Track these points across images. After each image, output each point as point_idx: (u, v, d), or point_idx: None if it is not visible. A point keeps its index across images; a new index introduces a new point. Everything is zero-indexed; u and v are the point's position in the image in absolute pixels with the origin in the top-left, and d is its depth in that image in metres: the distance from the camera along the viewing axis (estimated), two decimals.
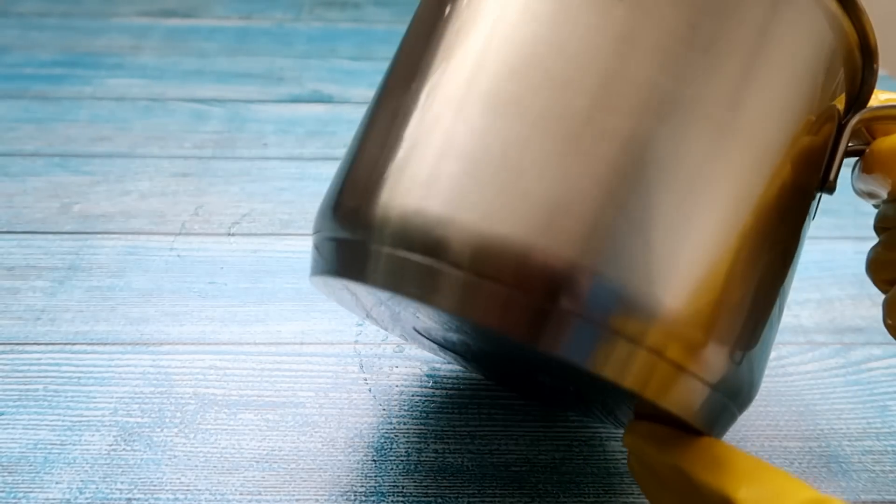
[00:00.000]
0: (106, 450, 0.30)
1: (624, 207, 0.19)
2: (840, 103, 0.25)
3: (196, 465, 0.30)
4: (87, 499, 0.28)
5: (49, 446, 0.30)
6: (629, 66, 0.20)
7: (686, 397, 0.21)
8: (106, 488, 0.29)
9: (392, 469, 0.30)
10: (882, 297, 0.27)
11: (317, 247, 0.24)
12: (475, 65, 0.21)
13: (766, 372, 0.36)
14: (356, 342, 0.36)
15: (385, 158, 0.21)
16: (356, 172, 0.22)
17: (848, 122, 0.24)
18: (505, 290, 0.19)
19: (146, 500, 0.28)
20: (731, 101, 0.21)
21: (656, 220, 0.20)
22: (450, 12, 0.23)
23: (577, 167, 0.20)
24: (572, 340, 0.19)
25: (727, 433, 0.32)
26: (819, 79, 0.23)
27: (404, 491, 0.29)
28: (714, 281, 0.20)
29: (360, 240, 0.21)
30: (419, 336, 0.28)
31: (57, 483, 0.29)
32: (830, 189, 0.25)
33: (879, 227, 0.27)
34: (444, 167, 0.20)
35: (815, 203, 0.25)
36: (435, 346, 0.29)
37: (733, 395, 0.22)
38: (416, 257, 0.20)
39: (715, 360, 0.21)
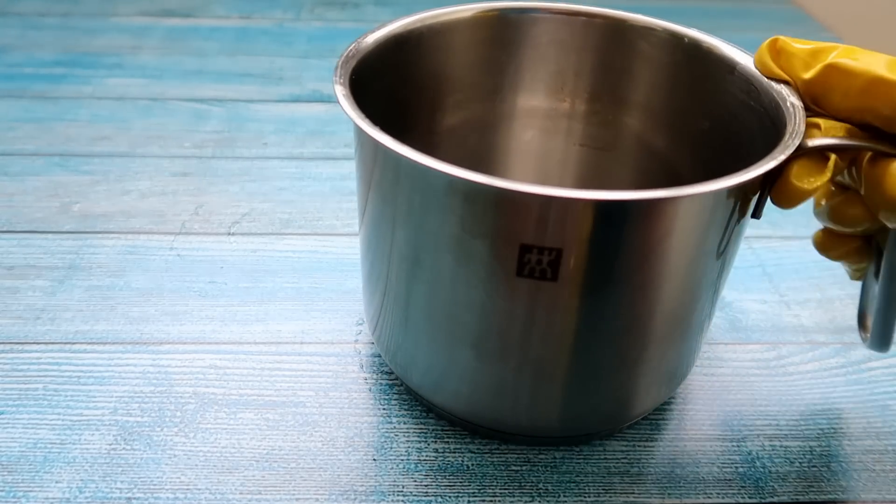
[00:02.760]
0: (106, 449, 0.30)
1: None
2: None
3: (196, 465, 0.30)
4: (86, 498, 0.28)
5: (49, 445, 0.30)
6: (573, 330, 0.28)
7: None
8: (106, 487, 0.29)
9: (392, 468, 0.30)
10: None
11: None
12: (463, 333, 0.28)
13: (767, 372, 0.36)
14: (356, 342, 0.36)
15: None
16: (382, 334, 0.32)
17: (769, 182, 0.26)
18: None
19: (146, 500, 0.28)
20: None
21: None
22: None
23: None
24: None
25: (724, 428, 0.32)
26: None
27: (404, 490, 0.29)
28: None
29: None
30: None
31: (57, 482, 0.29)
32: (759, 217, 0.27)
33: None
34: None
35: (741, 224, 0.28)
36: None
37: None
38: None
39: None
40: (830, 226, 0.29)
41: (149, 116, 0.54)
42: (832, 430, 0.33)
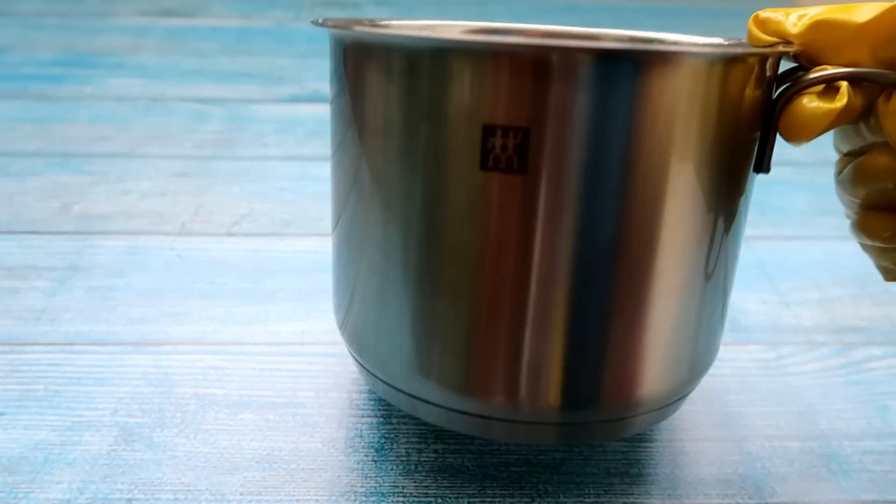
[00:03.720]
0: (106, 450, 0.30)
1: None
2: (759, 87, 0.24)
3: (196, 466, 0.30)
4: (87, 499, 0.28)
5: (49, 446, 0.30)
6: (545, 232, 0.23)
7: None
8: (106, 488, 0.29)
9: (392, 469, 0.30)
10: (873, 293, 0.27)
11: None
12: (421, 249, 0.24)
13: (767, 372, 0.36)
14: None
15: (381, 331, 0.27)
16: (357, 322, 0.28)
17: (777, 104, 0.24)
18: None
19: (146, 501, 0.28)
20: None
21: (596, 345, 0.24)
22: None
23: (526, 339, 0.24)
24: (542, 435, 0.26)
25: (724, 428, 0.32)
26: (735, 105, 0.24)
27: (404, 491, 0.29)
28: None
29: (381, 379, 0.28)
30: None
31: (57, 483, 0.29)
32: (767, 171, 0.26)
33: (844, 149, 0.28)
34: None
35: (751, 182, 0.26)
36: None
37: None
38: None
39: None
40: (860, 191, 0.27)
41: (149, 116, 0.54)
42: (832, 431, 0.33)
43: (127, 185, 0.47)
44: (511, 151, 0.21)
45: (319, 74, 0.62)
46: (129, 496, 0.28)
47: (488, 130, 0.21)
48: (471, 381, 0.25)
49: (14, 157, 0.49)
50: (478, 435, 0.26)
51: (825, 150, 0.28)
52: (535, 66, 0.21)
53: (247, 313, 0.38)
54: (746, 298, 0.40)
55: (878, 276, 0.28)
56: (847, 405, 0.34)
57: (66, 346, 0.35)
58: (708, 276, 0.26)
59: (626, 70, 0.21)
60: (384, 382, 0.27)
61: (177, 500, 0.28)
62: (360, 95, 0.24)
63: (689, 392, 0.28)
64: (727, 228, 0.26)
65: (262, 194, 0.47)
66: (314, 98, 0.58)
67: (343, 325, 0.29)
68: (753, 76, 0.23)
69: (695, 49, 0.22)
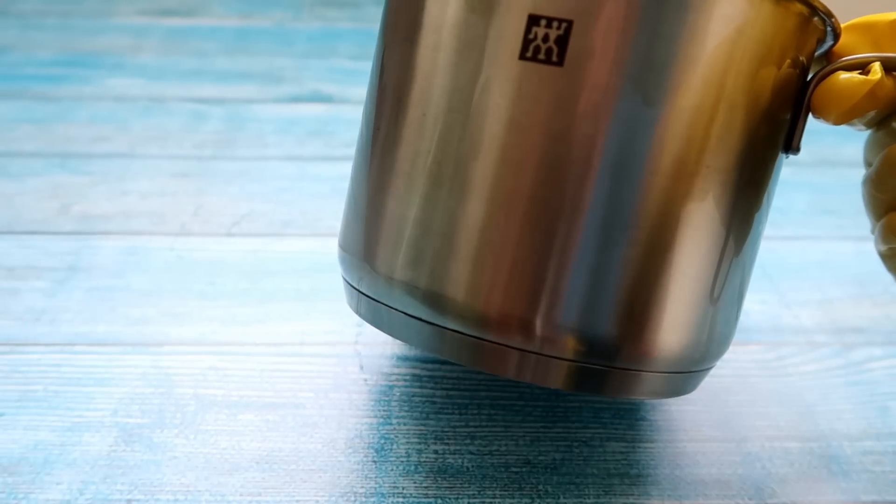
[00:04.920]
0: (106, 451, 0.30)
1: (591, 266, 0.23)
2: (796, 64, 0.24)
3: (196, 466, 0.30)
4: (87, 500, 0.28)
5: (49, 447, 0.30)
6: (576, 132, 0.22)
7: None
8: (106, 489, 0.29)
9: (392, 470, 0.30)
10: (878, 297, 0.27)
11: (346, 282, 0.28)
12: (443, 144, 0.24)
13: (767, 372, 0.36)
14: (356, 342, 0.36)
15: (384, 231, 0.25)
16: (367, 235, 0.26)
17: (810, 85, 0.25)
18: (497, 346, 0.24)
19: (146, 501, 0.28)
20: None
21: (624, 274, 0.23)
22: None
23: (537, 242, 0.23)
24: (550, 373, 0.24)
25: (724, 429, 0.32)
26: (772, 59, 0.24)
27: (404, 492, 0.29)
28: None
29: (375, 298, 0.26)
30: None
31: (57, 484, 0.29)
32: (796, 150, 0.25)
33: (871, 155, 0.28)
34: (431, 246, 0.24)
35: (780, 163, 0.26)
36: None
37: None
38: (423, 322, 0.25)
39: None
40: (891, 183, 0.26)
41: (149, 117, 0.54)
42: (832, 431, 0.33)
43: (126, 185, 0.47)
44: (552, 42, 0.21)
45: (319, 74, 0.62)
46: (129, 497, 0.28)
47: (533, 20, 0.21)
48: (488, 299, 0.23)
49: (14, 157, 0.49)
50: (483, 365, 0.24)
51: (825, 149, 0.28)
52: None
53: (246, 314, 0.38)
54: (746, 298, 0.40)
55: (878, 276, 0.28)
56: (847, 406, 0.34)
57: (65, 346, 0.35)
58: (735, 227, 0.25)
59: None
60: (386, 305, 0.26)
61: (176, 500, 0.28)
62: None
63: (700, 373, 0.27)
64: (759, 183, 0.25)
65: (262, 194, 0.47)
66: (314, 98, 0.58)
67: (350, 246, 0.27)
68: (799, 33, 0.24)
69: None
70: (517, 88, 0.22)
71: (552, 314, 0.23)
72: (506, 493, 0.29)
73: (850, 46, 0.26)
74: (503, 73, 0.22)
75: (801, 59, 0.25)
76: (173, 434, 0.31)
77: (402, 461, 0.31)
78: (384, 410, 0.33)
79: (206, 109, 0.56)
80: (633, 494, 0.30)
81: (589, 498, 0.29)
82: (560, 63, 0.22)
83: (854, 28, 0.26)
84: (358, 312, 0.28)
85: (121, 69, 0.61)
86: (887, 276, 0.40)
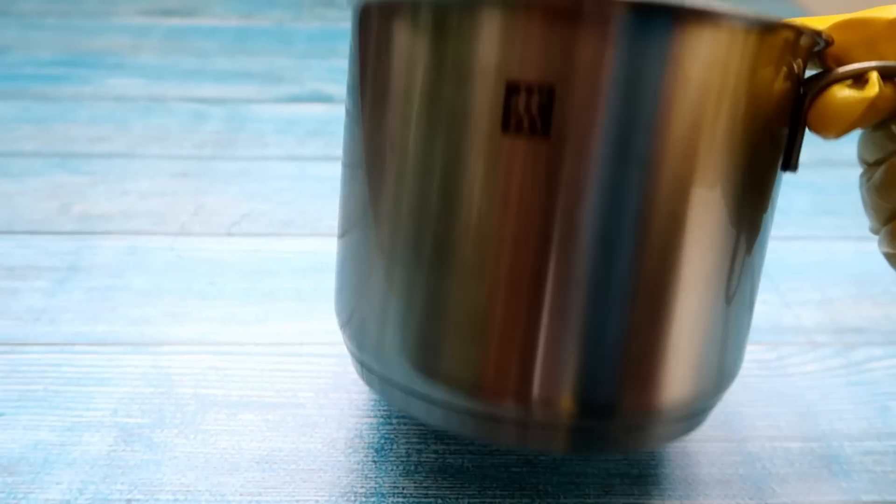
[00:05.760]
0: (106, 451, 0.30)
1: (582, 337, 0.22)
2: (789, 77, 0.24)
3: (196, 466, 0.30)
4: (87, 500, 0.28)
5: (49, 447, 0.30)
6: (564, 204, 0.21)
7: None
8: (106, 489, 0.29)
9: (392, 470, 0.30)
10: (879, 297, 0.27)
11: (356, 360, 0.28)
12: (425, 221, 0.23)
13: (767, 372, 0.36)
14: None
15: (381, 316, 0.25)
16: (356, 307, 0.26)
17: (805, 99, 0.24)
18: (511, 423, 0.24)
19: (146, 501, 0.28)
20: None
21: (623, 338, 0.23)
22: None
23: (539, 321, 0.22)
24: (553, 440, 0.24)
25: (725, 429, 0.32)
26: (768, 86, 0.23)
27: (404, 492, 0.29)
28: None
29: (367, 366, 0.26)
30: None
31: (57, 484, 0.29)
32: (795, 169, 0.25)
33: (867, 153, 0.27)
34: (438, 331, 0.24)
35: (778, 181, 0.25)
36: None
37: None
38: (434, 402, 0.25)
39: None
40: (893, 195, 0.26)
41: (149, 116, 0.54)
42: (832, 431, 0.33)
43: (127, 185, 0.47)
44: (535, 112, 0.20)
45: (319, 74, 0.62)
46: (129, 497, 0.28)
47: (512, 88, 0.20)
48: (480, 374, 0.23)
49: (14, 157, 0.49)
50: (484, 440, 0.24)
51: (825, 149, 0.28)
52: (565, 19, 0.20)
53: (246, 313, 0.38)
54: None
55: (878, 276, 0.28)
56: (848, 405, 0.34)
57: (65, 346, 0.35)
58: (735, 269, 0.24)
59: (662, 27, 0.20)
60: (384, 378, 0.26)
61: (176, 500, 0.28)
62: (380, 55, 0.23)
63: (712, 406, 0.27)
64: (754, 222, 0.24)
65: (262, 194, 0.47)
66: (314, 98, 0.58)
67: (343, 318, 0.28)
68: (787, 57, 0.23)
69: (736, 11, 0.21)
70: (501, 163, 0.21)
71: (548, 385, 0.23)
72: (506, 492, 0.29)
73: (845, 47, 0.25)
74: (485, 147, 0.21)
75: (794, 71, 0.24)
76: (173, 434, 0.31)
77: (402, 461, 0.31)
78: (384, 410, 0.33)
79: (206, 109, 0.56)
80: (633, 494, 0.30)
81: (589, 498, 0.29)
82: (546, 134, 0.21)
83: (848, 26, 0.24)
84: (355, 369, 0.28)
85: (121, 69, 0.61)
86: (887, 276, 0.40)
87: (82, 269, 0.40)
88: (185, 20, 0.70)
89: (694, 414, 0.26)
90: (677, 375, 0.24)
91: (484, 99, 0.21)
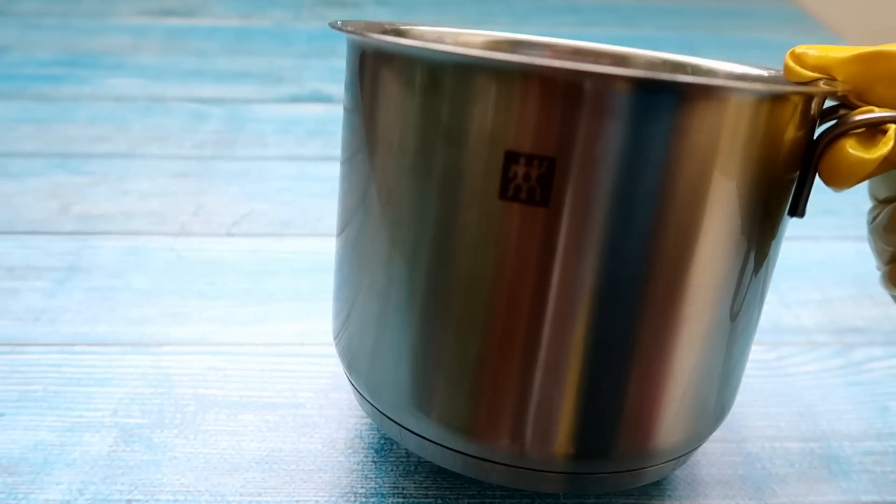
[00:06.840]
0: (106, 451, 0.30)
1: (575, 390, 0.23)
2: (803, 126, 0.23)
3: (196, 467, 0.30)
4: (87, 500, 0.28)
5: (49, 447, 0.30)
6: (562, 270, 0.21)
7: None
8: (106, 489, 0.29)
9: (392, 470, 0.30)
10: (881, 298, 0.27)
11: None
12: (427, 274, 0.23)
13: (767, 373, 0.36)
14: None
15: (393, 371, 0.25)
16: (357, 349, 0.26)
17: (818, 147, 0.23)
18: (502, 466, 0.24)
19: (146, 502, 0.28)
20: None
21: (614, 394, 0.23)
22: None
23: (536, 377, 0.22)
24: (546, 484, 0.24)
25: (724, 429, 0.32)
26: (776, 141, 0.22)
27: (404, 492, 0.29)
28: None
29: (397, 422, 0.26)
30: None
31: (57, 484, 0.29)
32: (801, 215, 0.24)
33: (877, 190, 0.26)
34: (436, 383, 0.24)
35: (783, 228, 0.25)
36: None
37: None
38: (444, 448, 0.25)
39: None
40: (892, 238, 0.25)
41: (148, 117, 0.54)
42: (832, 432, 0.33)
43: (126, 185, 0.47)
44: (534, 182, 0.20)
45: (319, 74, 0.62)
46: (129, 497, 0.28)
47: (511, 157, 0.20)
48: (473, 421, 0.23)
49: (14, 157, 0.49)
50: (476, 477, 0.25)
51: None
52: (566, 92, 0.19)
53: (246, 314, 0.38)
54: None
55: (878, 276, 0.28)
56: (847, 406, 0.34)
57: (65, 346, 0.35)
58: (735, 323, 0.24)
59: (665, 102, 0.19)
60: (376, 408, 0.26)
61: (176, 500, 0.28)
62: (377, 107, 0.23)
63: (707, 437, 0.27)
64: (756, 273, 0.24)
65: (262, 194, 0.47)
66: (314, 98, 0.58)
67: (338, 339, 0.28)
68: (797, 115, 0.22)
69: (740, 85, 0.20)
70: (498, 226, 0.21)
71: (541, 435, 0.23)
72: (505, 493, 0.29)
73: (868, 82, 0.23)
74: (481, 210, 0.21)
75: (805, 123, 0.23)
76: (173, 434, 0.31)
77: (402, 461, 0.31)
78: None
79: (206, 109, 0.56)
80: (633, 495, 0.30)
81: (589, 498, 0.29)
82: (545, 204, 0.20)
83: (872, 59, 0.23)
84: (364, 411, 0.28)
85: (121, 69, 0.61)
86: None
87: (82, 270, 0.40)
88: (185, 20, 0.70)
89: (689, 452, 0.26)
90: (674, 422, 0.24)
91: (480, 164, 0.20)
